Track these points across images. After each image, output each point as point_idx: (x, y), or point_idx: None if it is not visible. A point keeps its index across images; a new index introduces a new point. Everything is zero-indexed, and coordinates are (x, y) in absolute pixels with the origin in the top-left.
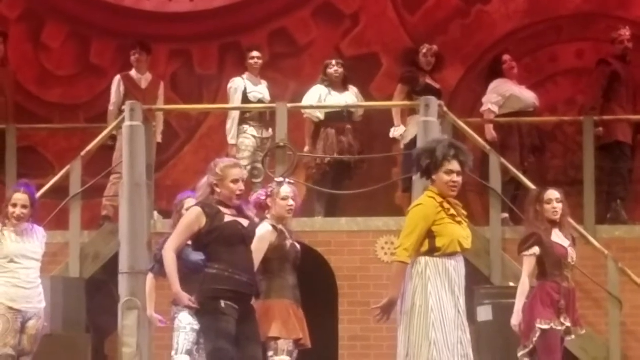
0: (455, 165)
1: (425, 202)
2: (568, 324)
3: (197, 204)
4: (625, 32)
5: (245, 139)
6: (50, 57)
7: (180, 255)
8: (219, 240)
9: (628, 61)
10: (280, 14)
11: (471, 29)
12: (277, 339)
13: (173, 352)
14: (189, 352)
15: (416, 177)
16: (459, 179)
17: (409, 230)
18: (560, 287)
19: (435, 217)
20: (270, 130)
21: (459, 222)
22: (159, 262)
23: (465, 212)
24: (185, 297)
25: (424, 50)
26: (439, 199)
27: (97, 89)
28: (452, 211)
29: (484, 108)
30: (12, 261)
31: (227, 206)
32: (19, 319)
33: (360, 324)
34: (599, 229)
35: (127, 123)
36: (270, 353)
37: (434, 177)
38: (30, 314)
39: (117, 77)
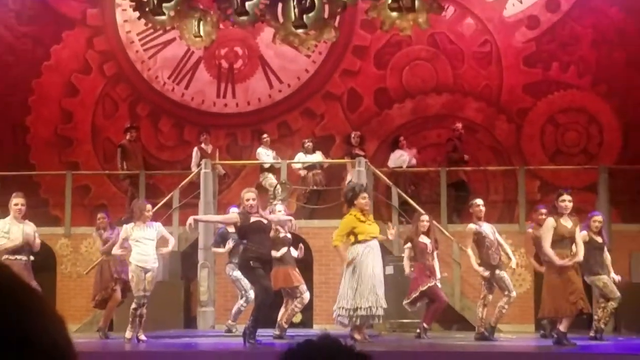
0: (365, 195)
1: (347, 218)
2: (435, 280)
3: (238, 212)
4: (459, 125)
5: (266, 180)
6: (163, 135)
7: (226, 237)
8: (250, 231)
9: (462, 140)
10: (283, 114)
11: (382, 122)
12: (297, 286)
13: (243, 292)
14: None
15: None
16: (369, 201)
17: (338, 231)
18: (425, 265)
19: (354, 224)
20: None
21: (369, 224)
22: (219, 236)
23: (372, 218)
24: (192, 218)
25: (353, 135)
26: (357, 214)
27: (187, 153)
28: (364, 219)
29: (389, 164)
30: (138, 241)
31: (250, 213)
32: (143, 272)
33: (325, 274)
34: (450, 226)
35: (203, 170)
36: (298, 293)
37: (355, 202)
38: (149, 270)
39: (195, 148)
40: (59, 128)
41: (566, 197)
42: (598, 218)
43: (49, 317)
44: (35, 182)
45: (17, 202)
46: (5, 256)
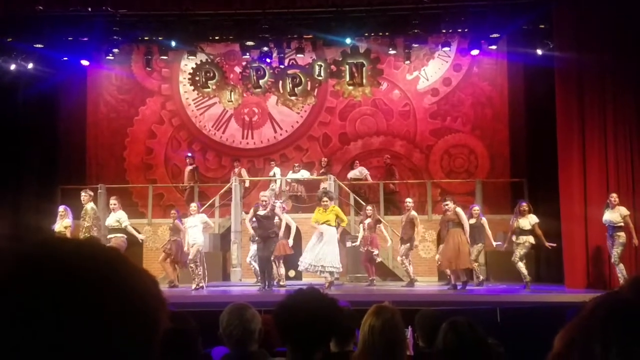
0: (325, 199)
1: (334, 206)
2: (374, 248)
3: (253, 207)
4: (387, 156)
5: (270, 189)
6: (209, 162)
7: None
8: (258, 218)
9: (392, 168)
10: (282, 149)
11: (343, 154)
12: (289, 254)
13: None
14: (253, 257)
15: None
16: (330, 203)
17: (313, 217)
18: (370, 237)
19: (316, 214)
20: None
21: (324, 215)
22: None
23: (328, 211)
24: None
25: (322, 159)
26: (319, 209)
27: (223, 173)
28: (322, 211)
29: (348, 176)
30: (190, 227)
31: (261, 207)
32: (191, 245)
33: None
34: (385, 217)
35: (234, 184)
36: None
37: (320, 202)
38: (195, 242)
39: (233, 171)
40: (144, 158)
41: (449, 203)
42: (476, 208)
43: (140, 277)
44: (129, 191)
45: (112, 202)
46: (112, 235)
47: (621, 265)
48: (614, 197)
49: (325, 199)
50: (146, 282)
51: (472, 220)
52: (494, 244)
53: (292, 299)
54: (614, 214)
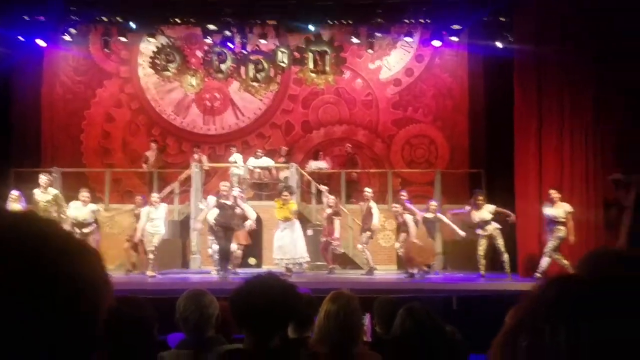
0: (285, 194)
1: (292, 202)
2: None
3: (215, 197)
4: (349, 145)
5: (233, 175)
6: (169, 147)
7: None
8: (220, 208)
9: (354, 157)
10: (244, 135)
11: (306, 142)
12: (246, 244)
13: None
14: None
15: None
16: (289, 197)
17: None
18: (330, 228)
19: (277, 208)
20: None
21: (284, 209)
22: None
23: (288, 206)
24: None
25: (282, 147)
26: (279, 202)
27: (184, 159)
28: (282, 206)
29: (307, 168)
30: (149, 220)
31: (222, 197)
32: (152, 236)
33: (268, 233)
34: (347, 206)
35: (194, 170)
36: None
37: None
38: (158, 233)
39: (193, 157)
40: (101, 142)
41: (402, 194)
42: (433, 203)
43: (84, 255)
44: (86, 176)
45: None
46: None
47: (548, 259)
48: (553, 193)
49: (285, 193)
50: (89, 258)
51: (429, 215)
52: (461, 233)
53: (249, 285)
54: (557, 210)
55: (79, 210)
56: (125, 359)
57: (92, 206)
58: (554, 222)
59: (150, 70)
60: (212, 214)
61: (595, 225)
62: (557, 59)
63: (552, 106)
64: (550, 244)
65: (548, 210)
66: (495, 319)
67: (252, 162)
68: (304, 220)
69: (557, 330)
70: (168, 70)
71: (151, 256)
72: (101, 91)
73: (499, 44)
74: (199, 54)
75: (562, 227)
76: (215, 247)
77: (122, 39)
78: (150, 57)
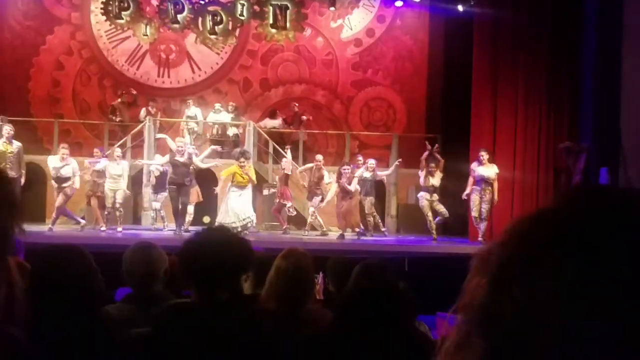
0: (242, 160)
1: (231, 167)
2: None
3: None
4: (295, 104)
5: (187, 132)
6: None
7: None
8: (174, 165)
9: (300, 117)
10: (200, 90)
11: (264, 100)
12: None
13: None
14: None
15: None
16: (246, 163)
17: (225, 171)
18: (284, 190)
19: (233, 174)
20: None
21: (242, 176)
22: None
23: (246, 171)
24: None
25: (230, 104)
26: (237, 169)
27: (137, 112)
28: (240, 172)
29: (262, 124)
30: (109, 177)
31: (177, 153)
32: (113, 192)
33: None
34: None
35: (147, 124)
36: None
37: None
38: (119, 189)
39: (144, 109)
40: (50, 91)
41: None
42: (371, 162)
43: None
44: (34, 126)
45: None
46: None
47: (486, 223)
48: (484, 154)
49: (242, 159)
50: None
51: (367, 174)
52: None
53: (199, 237)
54: (490, 170)
55: (57, 163)
56: (66, 310)
57: (72, 162)
58: (485, 182)
59: (103, 17)
60: (155, 168)
61: (545, 189)
62: (514, 23)
63: (508, 70)
64: (486, 207)
65: (482, 171)
66: (444, 280)
67: (212, 117)
68: (261, 179)
69: (511, 287)
70: (121, 17)
71: (117, 213)
72: (51, 38)
73: (460, 8)
74: (155, 2)
75: (490, 188)
76: (156, 204)
77: None
78: (102, 3)
